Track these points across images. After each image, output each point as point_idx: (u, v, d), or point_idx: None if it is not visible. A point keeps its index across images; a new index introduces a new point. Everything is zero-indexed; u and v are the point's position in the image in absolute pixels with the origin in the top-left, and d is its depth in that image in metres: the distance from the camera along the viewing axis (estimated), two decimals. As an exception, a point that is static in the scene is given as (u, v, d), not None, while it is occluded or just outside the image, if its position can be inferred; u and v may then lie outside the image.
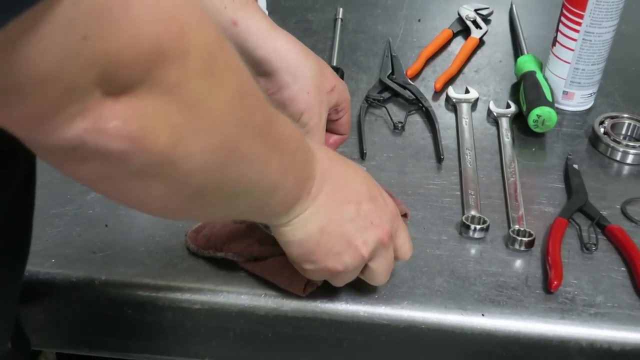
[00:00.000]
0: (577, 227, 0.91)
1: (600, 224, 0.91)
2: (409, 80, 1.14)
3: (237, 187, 0.57)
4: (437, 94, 1.14)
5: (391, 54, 1.19)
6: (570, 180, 0.98)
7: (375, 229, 0.71)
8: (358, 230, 0.70)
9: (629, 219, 0.93)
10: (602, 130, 1.05)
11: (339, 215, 0.70)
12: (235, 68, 0.52)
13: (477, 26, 1.29)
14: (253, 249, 0.82)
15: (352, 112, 1.06)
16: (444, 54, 1.24)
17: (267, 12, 1.27)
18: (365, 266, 0.73)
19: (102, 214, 0.87)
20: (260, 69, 0.83)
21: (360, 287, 0.81)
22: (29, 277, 0.80)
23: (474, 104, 1.11)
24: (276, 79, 0.83)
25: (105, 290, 0.80)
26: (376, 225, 0.72)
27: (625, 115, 1.08)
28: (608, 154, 1.04)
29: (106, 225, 0.86)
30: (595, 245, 0.89)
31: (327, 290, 0.80)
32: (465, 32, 1.29)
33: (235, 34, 0.81)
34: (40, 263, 0.81)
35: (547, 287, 0.82)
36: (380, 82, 1.14)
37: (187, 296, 0.80)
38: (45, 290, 0.80)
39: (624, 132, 1.07)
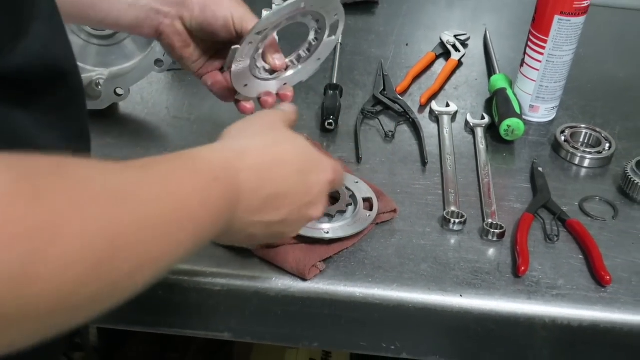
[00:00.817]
0: (542, 221, 0.91)
1: (561, 219, 0.91)
2: (398, 96, 1.14)
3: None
4: (422, 107, 1.14)
5: (383, 74, 1.19)
6: (536, 181, 0.97)
7: (306, 219, 0.69)
8: (290, 225, 0.68)
9: (586, 214, 0.93)
10: (562, 138, 1.05)
11: (268, 229, 0.64)
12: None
13: (456, 50, 1.29)
14: (265, 239, 0.82)
15: (350, 123, 1.07)
16: (428, 73, 1.24)
17: (277, 38, 1.27)
18: None
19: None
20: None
21: (355, 272, 0.81)
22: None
23: (453, 116, 1.11)
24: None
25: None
26: (307, 216, 0.68)
27: (583, 126, 1.08)
28: (568, 159, 1.03)
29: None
30: (557, 236, 0.89)
31: (328, 274, 0.81)
32: (446, 54, 1.29)
33: None
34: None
35: (516, 272, 0.82)
36: (374, 97, 1.13)
37: (209, 279, 0.80)
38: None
39: (581, 140, 1.07)
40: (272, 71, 0.84)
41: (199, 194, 0.53)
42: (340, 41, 1.28)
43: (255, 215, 0.61)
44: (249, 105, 0.84)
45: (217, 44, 0.84)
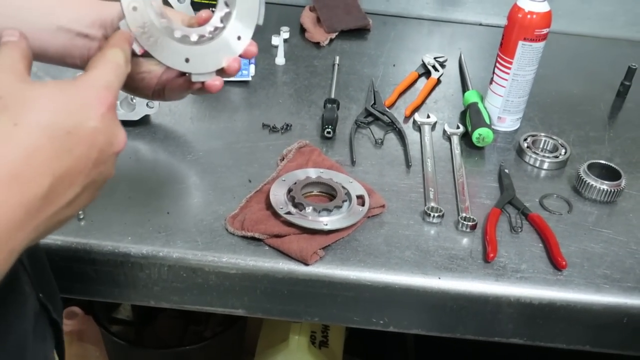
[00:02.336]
0: (508, 215, 0.91)
1: (524, 213, 0.91)
2: (387, 109, 1.13)
3: None
4: (406, 119, 1.13)
5: (374, 90, 1.19)
6: (503, 181, 0.97)
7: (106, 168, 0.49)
8: (93, 184, 0.48)
9: (545, 209, 0.93)
10: (525, 145, 1.05)
11: (73, 205, 0.47)
12: None
13: (436, 69, 1.28)
14: (274, 229, 0.82)
15: (345, 132, 1.06)
16: (412, 89, 1.23)
17: (284, 60, 1.27)
18: None
19: (165, 204, 0.87)
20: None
21: (350, 258, 0.81)
22: (112, 250, 0.80)
23: (433, 126, 1.10)
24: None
25: (167, 260, 0.80)
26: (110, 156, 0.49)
27: (542, 134, 1.07)
28: (530, 162, 1.03)
29: (168, 213, 0.86)
30: (520, 228, 0.88)
31: (326, 260, 0.80)
32: (427, 74, 1.28)
33: None
34: (120, 240, 0.80)
35: (486, 258, 0.82)
36: (366, 110, 1.13)
37: (226, 264, 0.80)
38: (124, 259, 0.80)
39: (541, 146, 1.07)
40: (200, 33, 0.64)
41: None
42: (337, 62, 1.27)
43: (46, 210, 0.44)
44: (217, 81, 0.65)
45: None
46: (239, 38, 0.66)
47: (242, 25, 0.66)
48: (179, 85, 0.67)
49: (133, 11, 0.59)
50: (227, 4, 0.65)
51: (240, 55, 0.67)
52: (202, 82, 0.65)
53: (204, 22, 0.65)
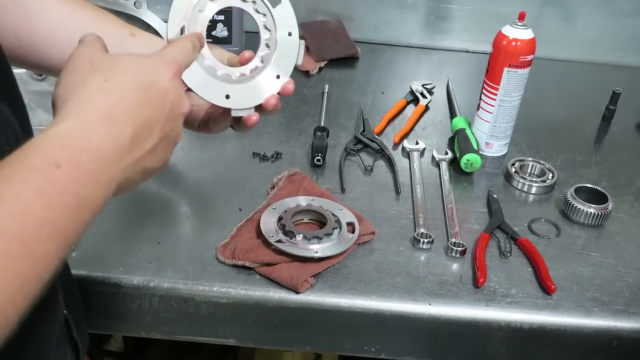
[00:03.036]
0: (497, 240, 0.91)
1: (513, 237, 0.91)
2: (376, 136, 1.14)
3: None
4: (395, 145, 1.14)
5: (363, 117, 1.20)
6: (491, 206, 0.98)
7: (178, 123, 0.58)
8: (170, 134, 0.57)
9: (534, 233, 0.94)
10: (513, 169, 1.06)
11: (154, 153, 0.55)
12: None
13: (424, 96, 1.30)
14: (265, 257, 0.82)
15: (335, 159, 1.07)
16: (401, 116, 1.25)
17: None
18: None
19: (155, 234, 0.87)
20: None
21: (341, 285, 0.81)
22: (103, 281, 0.80)
23: (422, 152, 1.11)
24: None
25: (158, 290, 0.80)
26: (179, 117, 0.58)
27: (530, 159, 1.09)
28: (518, 187, 1.04)
29: (159, 242, 0.86)
30: (509, 252, 0.89)
31: (317, 287, 0.81)
32: (415, 100, 1.30)
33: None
34: (111, 270, 0.81)
35: (476, 283, 0.83)
36: (355, 137, 1.14)
37: (217, 293, 0.80)
38: (115, 290, 0.80)
39: (529, 170, 1.08)
40: (240, 71, 0.69)
41: (39, 197, 0.43)
42: (327, 90, 1.29)
43: (134, 153, 0.52)
44: (253, 117, 0.70)
45: None
46: (277, 77, 0.70)
47: (281, 65, 0.70)
48: (221, 119, 0.73)
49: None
50: (267, 46, 0.70)
51: (278, 93, 0.70)
52: (241, 117, 0.69)
53: (246, 62, 0.70)
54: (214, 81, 0.66)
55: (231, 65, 0.70)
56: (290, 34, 0.70)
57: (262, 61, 0.70)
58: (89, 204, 0.47)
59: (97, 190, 0.48)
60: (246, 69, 0.69)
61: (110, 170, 0.49)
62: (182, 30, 0.64)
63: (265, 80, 0.69)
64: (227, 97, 0.67)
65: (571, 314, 0.80)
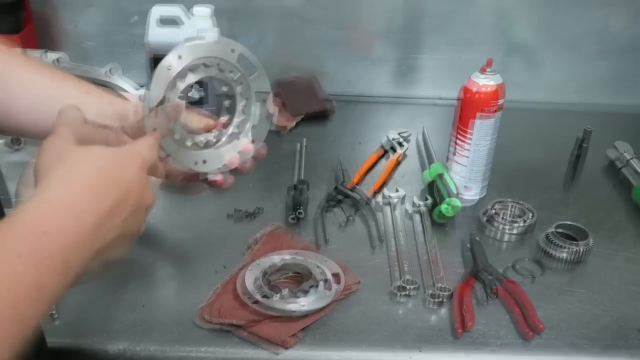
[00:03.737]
0: (482, 282, 0.92)
1: (497, 279, 0.92)
2: (355, 186, 1.15)
3: None
4: (375, 194, 1.15)
5: (342, 168, 1.21)
6: (474, 249, 0.98)
7: (144, 210, 0.60)
8: (133, 220, 0.58)
9: (518, 273, 0.94)
10: (493, 211, 1.07)
11: (118, 230, 0.56)
12: None
13: (401, 145, 1.31)
14: (251, 315, 0.82)
15: (315, 213, 1.07)
16: (378, 166, 1.26)
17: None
18: None
19: (139, 297, 0.86)
20: None
21: (329, 338, 0.80)
22: (88, 347, 0.78)
23: (402, 200, 1.12)
24: None
25: (144, 353, 0.79)
26: (143, 205, 0.59)
27: (509, 200, 1.10)
28: (499, 228, 1.05)
29: (143, 306, 0.85)
30: (496, 294, 0.89)
31: (306, 341, 0.80)
32: (392, 149, 1.31)
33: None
34: (96, 336, 0.79)
35: (465, 327, 0.82)
36: (335, 188, 1.14)
37: (204, 353, 0.79)
38: (101, 356, 0.78)
39: (508, 211, 1.09)
40: (211, 137, 0.73)
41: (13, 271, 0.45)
42: (305, 144, 1.30)
43: (94, 244, 0.53)
44: (229, 179, 0.75)
45: None
46: (252, 141, 0.75)
47: (256, 131, 0.75)
48: (198, 182, 0.76)
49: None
50: (244, 112, 0.75)
51: (252, 157, 0.76)
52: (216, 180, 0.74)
53: (222, 127, 0.74)
54: (190, 148, 0.70)
55: (209, 130, 0.74)
56: (264, 101, 0.75)
57: (237, 127, 0.74)
58: (48, 292, 0.48)
59: (57, 280, 0.48)
60: (223, 134, 0.73)
61: (70, 260, 0.50)
62: (162, 101, 0.67)
63: (240, 144, 0.74)
64: (204, 162, 0.71)
65: (562, 352, 0.80)
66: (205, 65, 0.70)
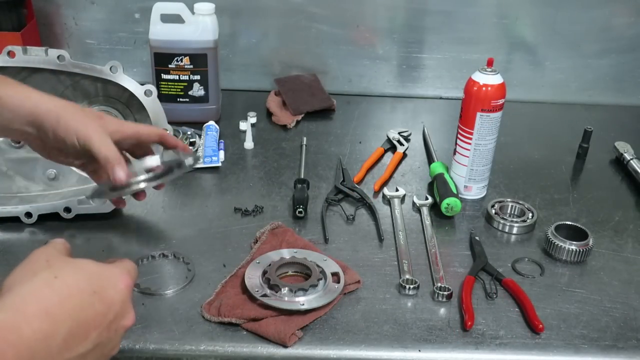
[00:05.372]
0: (482, 282, 0.92)
1: (497, 278, 0.92)
2: (356, 185, 1.16)
3: None
4: (376, 193, 1.15)
5: (342, 167, 1.21)
6: (474, 248, 0.98)
7: (120, 332, 0.60)
8: (107, 345, 0.58)
9: (518, 273, 0.94)
10: (493, 211, 1.07)
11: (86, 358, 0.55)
12: None
13: (401, 144, 1.32)
14: (251, 313, 0.82)
15: (317, 210, 1.08)
16: (379, 165, 1.26)
17: (253, 144, 1.30)
18: None
19: (140, 296, 0.86)
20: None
21: (329, 337, 0.80)
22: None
23: (402, 199, 1.13)
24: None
25: (143, 352, 0.79)
26: (121, 328, 0.60)
27: (509, 200, 1.10)
28: (499, 228, 1.05)
29: (143, 304, 0.85)
30: (495, 294, 0.89)
31: (305, 340, 0.80)
32: (393, 148, 1.32)
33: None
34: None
35: (464, 327, 0.82)
36: (336, 187, 1.15)
37: (204, 352, 0.79)
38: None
39: (509, 211, 1.09)
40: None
41: None
42: (305, 143, 1.30)
43: (63, 354, 0.52)
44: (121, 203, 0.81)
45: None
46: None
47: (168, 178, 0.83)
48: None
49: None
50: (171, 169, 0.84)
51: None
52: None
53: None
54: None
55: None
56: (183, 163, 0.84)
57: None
58: None
59: None
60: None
61: None
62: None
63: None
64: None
65: (561, 352, 0.80)
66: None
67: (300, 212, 1.04)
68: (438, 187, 1.10)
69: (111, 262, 0.63)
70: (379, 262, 0.96)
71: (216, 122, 1.34)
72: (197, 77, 1.34)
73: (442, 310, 0.86)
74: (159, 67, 1.32)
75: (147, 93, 1.01)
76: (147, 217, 1.05)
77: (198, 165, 1.19)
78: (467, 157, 1.10)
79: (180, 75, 1.33)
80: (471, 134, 1.08)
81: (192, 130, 1.30)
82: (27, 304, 0.51)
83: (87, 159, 0.80)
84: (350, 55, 1.56)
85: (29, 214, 1.00)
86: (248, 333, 0.81)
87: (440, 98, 1.60)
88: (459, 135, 1.11)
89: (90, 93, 1.04)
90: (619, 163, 1.28)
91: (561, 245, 0.97)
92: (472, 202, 1.13)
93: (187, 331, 0.81)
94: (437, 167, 1.16)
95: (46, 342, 0.50)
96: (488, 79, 1.05)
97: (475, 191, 1.14)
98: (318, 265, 0.89)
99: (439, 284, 0.89)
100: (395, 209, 1.08)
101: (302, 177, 1.16)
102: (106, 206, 1.02)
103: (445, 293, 0.87)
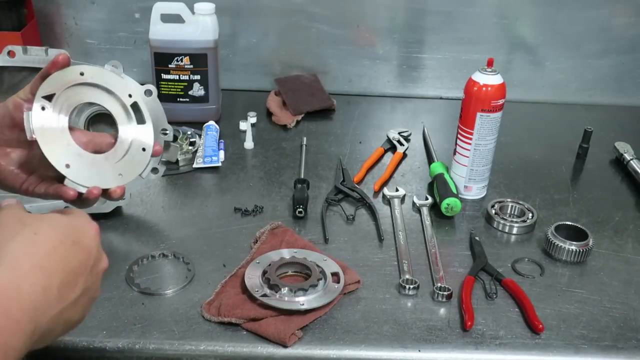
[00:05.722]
0: (482, 282, 0.92)
1: (497, 279, 0.92)
2: (356, 185, 1.16)
3: None
4: (376, 193, 1.15)
5: (342, 167, 1.21)
6: (474, 248, 0.98)
7: (99, 275, 0.62)
8: (92, 289, 0.60)
9: (518, 273, 0.94)
10: (493, 211, 1.07)
11: (77, 305, 0.57)
12: None
13: (401, 144, 1.32)
14: (251, 313, 0.82)
15: (317, 210, 1.08)
16: (379, 165, 1.26)
17: (253, 144, 1.30)
18: None
19: (139, 296, 0.86)
20: None
21: (329, 337, 0.80)
22: (87, 346, 0.78)
23: (402, 199, 1.13)
24: None
25: (143, 352, 0.79)
26: (99, 272, 0.62)
27: (509, 200, 1.10)
28: (499, 228, 1.05)
29: (143, 304, 0.85)
30: (495, 294, 0.89)
31: (305, 340, 0.80)
32: (393, 148, 1.32)
33: None
34: (95, 335, 0.79)
35: (464, 327, 0.82)
36: (336, 187, 1.15)
37: (203, 351, 0.79)
38: (99, 355, 0.79)
39: (508, 211, 1.09)
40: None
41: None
42: (305, 143, 1.30)
43: (59, 303, 0.54)
44: (71, 191, 0.71)
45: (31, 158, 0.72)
46: (120, 175, 0.74)
47: (126, 169, 0.74)
48: (51, 190, 0.73)
49: (41, 110, 0.69)
50: (123, 148, 0.74)
51: (105, 189, 0.73)
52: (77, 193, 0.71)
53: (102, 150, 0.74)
54: (63, 146, 0.71)
55: (95, 151, 0.74)
56: (144, 150, 0.75)
57: (107, 159, 0.74)
58: (11, 356, 0.48)
59: (22, 341, 0.49)
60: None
61: (37, 319, 0.51)
62: (50, 97, 0.69)
63: (108, 172, 0.73)
64: (67, 166, 0.70)
65: (561, 352, 0.80)
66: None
67: (300, 212, 1.04)
68: (438, 187, 1.10)
69: (66, 213, 0.63)
70: (379, 262, 0.95)
71: (216, 122, 1.34)
72: (197, 77, 1.34)
73: (442, 311, 0.86)
74: (159, 67, 1.32)
75: (147, 93, 1.01)
76: (147, 217, 1.05)
77: (198, 165, 1.19)
78: (467, 157, 1.10)
79: (181, 75, 1.33)
80: (471, 134, 1.08)
81: (192, 130, 1.30)
82: (19, 262, 0.52)
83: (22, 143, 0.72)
84: (350, 55, 1.56)
85: (29, 214, 1.00)
86: (248, 333, 0.81)
87: (441, 98, 1.60)
88: (459, 136, 1.11)
89: (90, 93, 1.04)
90: (619, 163, 1.28)
91: (561, 246, 0.97)
92: (472, 202, 1.13)
93: (187, 331, 0.81)
94: (437, 167, 1.16)
95: (44, 294, 0.52)
96: (488, 79, 1.05)
97: (475, 191, 1.14)
98: (318, 265, 0.89)
99: (439, 284, 0.89)
100: (395, 209, 1.08)
101: (302, 177, 1.16)
102: (106, 206, 1.02)
103: (445, 293, 0.87)
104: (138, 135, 0.75)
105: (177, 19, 1.30)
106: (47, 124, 0.69)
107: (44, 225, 0.57)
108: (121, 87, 0.73)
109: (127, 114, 0.74)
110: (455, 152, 1.13)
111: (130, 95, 0.74)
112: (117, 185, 0.74)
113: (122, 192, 0.74)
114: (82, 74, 0.71)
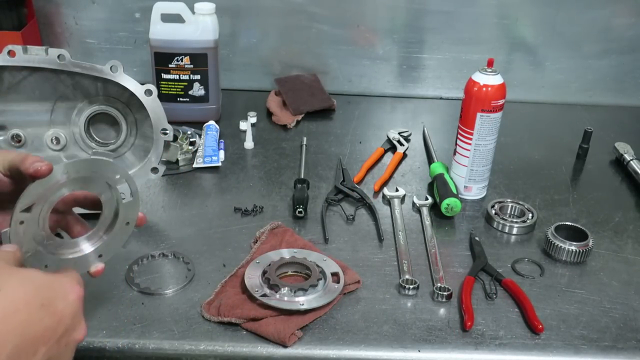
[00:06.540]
0: (482, 282, 0.92)
1: (497, 279, 0.92)
2: (356, 185, 1.16)
3: None
4: (376, 193, 1.15)
5: (342, 167, 1.21)
6: (474, 248, 0.98)
7: (72, 346, 0.57)
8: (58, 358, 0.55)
9: (517, 273, 0.94)
10: (493, 211, 1.07)
11: None
12: None
13: (401, 144, 1.32)
14: (251, 313, 0.82)
15: (317, 210, 1.08)
16: (379, 165, 1.26)
17: (253, 144, 1.30)
18: None
19: (139, 296, 0.86)
20: None
21: (328, 337, 0.80)
22: (86, 345, 0.78)
23: (402, 199, 1.13)
24: None
25: (143, 352, 0.79)
26: (72, 342, 0.57)
27: (509, 200, 1.10)
28: (499, 228, 1.05)
29: (142, 303, 0.85)
30: (495, 294, 0.89)
31: (305, 340, 0.80)
32: (393, 148, 1.32)
33: None
34: (94, 334, 0.79)
35: (464, 327, 0.82)
36: (336, 187, 1.15)
37: (203, 351, 0.79)
38: (99, 355, 0.78)
39: (508, 212, 1.09)
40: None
41: None
42: (305, 143, 1.30)
43: None
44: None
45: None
46: (99, 256, 0.74)
47: (107, 249, 0.75)
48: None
49: (20, 225, 0.64)
50: (105, 231, 0.75)
51: (89, 271, 0.73)
52: None
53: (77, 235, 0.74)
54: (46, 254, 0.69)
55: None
56: (127, 224, 0.76)
57: (90, 240, 0.74)
58: None
59: None
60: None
61: None
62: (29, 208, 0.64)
63: (87, 257, 0.73)
64: (46, 266, 0.69)
65: (560, 353, 0.80)
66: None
67: (300, 212, 1.04)
68: (438, 187, 1.10)
69: (59, 273, 0.59)
70: (379, 262, 0.95)
71: (216, 121, 1.34)
72: (197, 76, 1.34)
73: (442, 311, 0.86)
74: (159, 66, 1.32)
75: (147, 92, 1.01)
76: (147, 217, 1.05)
77: (198, 165, 1.20)
78: (467, 157, 1.10)
79: (181, 75, 1.33)
80: (471, 134, 1.08)
81: (192, 130, 1.30)
82: None
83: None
84: (350, 55, 1.56)
85: (28, 214, 1.00)
86: (248, 333, 0.80)
87: (441, 98, 1.60)
88: (459, 136, 1.11)
89: (90, 92, 1.04)
90: (619, 164, 1.28)
91: (561, 246, 0.97)
92: (472, 203, 1.13)
93: (187, 331, 0.81)
94: (437, 168, 1.16)
95: None
96: (488, 79, 1.05)
97: (475, 191, 1.14)
98: (318, 265, 0.89)
99: (439, 284, 0.89)
100: (395, 209, 1.08)
101: (302, 177, 1.16)
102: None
103: (445, 293, 0.87)
104: (123, 210, 0.75)
105: (177, 18, 1.30)
106: (28, 235, 0.65)
107: (14, 282, 0.52)
108: (108, 170, 0.71)
109: (113, 194, 0.74)
110: (455, 152, 1.13)
111: (118, 177, 0.73)
112: (96, 267, 0.73)
113: (103, 269, 0.73)
114: (66, 172, 0.66)
